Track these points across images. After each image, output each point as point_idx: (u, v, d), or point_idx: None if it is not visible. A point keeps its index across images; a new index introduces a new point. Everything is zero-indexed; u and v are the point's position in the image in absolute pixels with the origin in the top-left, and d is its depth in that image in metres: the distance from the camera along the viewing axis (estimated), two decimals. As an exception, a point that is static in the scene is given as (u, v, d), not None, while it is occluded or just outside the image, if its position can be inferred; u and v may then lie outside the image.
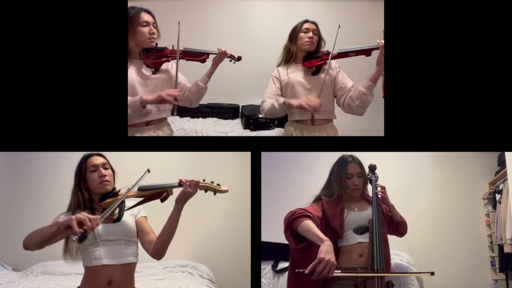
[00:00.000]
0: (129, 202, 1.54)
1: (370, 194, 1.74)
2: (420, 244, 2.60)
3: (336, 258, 1.54)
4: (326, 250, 1.37)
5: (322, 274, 1.33)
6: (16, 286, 2.25)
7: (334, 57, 1.94)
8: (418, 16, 1.91)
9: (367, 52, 1.91)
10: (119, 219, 1.48)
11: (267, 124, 2.75)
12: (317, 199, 1.75)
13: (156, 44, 1.88)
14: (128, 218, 1.51)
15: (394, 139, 1.94)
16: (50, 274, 2.55)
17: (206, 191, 1.51)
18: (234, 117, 3.05)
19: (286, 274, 2.36)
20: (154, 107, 1.88)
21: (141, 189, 1.49)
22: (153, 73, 1.89)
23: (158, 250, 1.46)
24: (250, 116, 2.79)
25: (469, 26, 1.90)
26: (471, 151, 2.41)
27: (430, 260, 2.63)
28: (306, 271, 1.34)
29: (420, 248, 2.62)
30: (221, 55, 1.95)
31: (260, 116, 2.77)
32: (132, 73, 1.85)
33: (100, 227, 1.41)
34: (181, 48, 1.89)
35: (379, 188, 1.69)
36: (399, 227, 1.77)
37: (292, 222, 1.57)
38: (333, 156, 1.82)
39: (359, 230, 1.63)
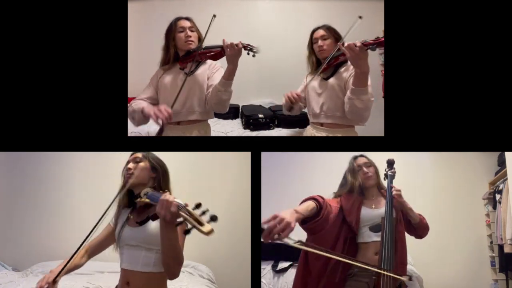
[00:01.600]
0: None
1: None
2: (420, 244, 2.59)
3: (354, 254, 1.60)
4: (285, 211, 1.27)
5: (273, 232, 1.19)
6: (16, 286, 2.25)
7: (330, 63, 1.90)
8: (418, 16, 1.91)
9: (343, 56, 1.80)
10: (143, 222, 1.38)
11: (267, 124, 2.74)
12: (337, 196, 1.77)
13: (199, 46, 1.91)
14: (154, 223, 1.37)
15: (394, 139, 1.94)
16: (50, 274, 2.55)
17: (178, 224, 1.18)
18: (234, 117, 3.05)
19: (286, 274, 2.36)
20: (183, 108, 1.92)
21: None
22: (187, 75, 1.91)
23: (164, 270, 1.32)
24: (250, 116, 2.78)
25: (469, 26, 1.90)
26: (471, 151, 2.41)
27: (430, 260, 2.63)
28: (262, 225, 1.20)
29: (420, 248, 2.62)
30: (233, 50, 1.74)
31: (260, 116, 2.77)
32: (168, 77, 1.93)
33: (125, 231, 1.42)
34: (202, 47, 1.90)
35: (394, 191, 1.67)
36: (418, 231, 1.75)
37: (301, 202, 1.59)
38: (333, 156, 1.82)
39: (375, 228, 1.64)
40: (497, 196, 2.49)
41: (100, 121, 1.91)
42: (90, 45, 1.90)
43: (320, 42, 1.95)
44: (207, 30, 1.86)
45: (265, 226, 1.20)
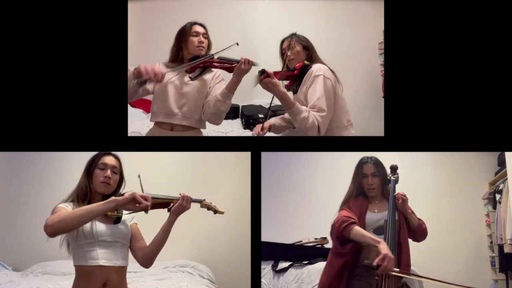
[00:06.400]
0: None
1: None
2: (420, 244, 2.59)
3: (358, 255, 1.64)
4: (386, 247, 1.50)
5: (387, 268, 1.45)
6: (16, 286, 2.25)
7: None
8: (418, 16, 1.91)
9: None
10: (119, 220, 1.46)
11: (267, 124, 2.75)
12: (344, 203, 1.79)
13: (211, 55, 1.91)
14: (125, 221, 1.50)
15: (394, 139, 1.94)
16: (50, 274, 2.55)
17: (208, 209, 1.61)
18: (234, 117, 3.05)
19: (286, 274, 2.36)
20: (179, 111, 1.86)
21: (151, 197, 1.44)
22: (191, 79, 1.90)
23: (148, 258, 1.48)
24: (250, 116, 2.79)
25: (469, 26, 1.90)
26: (471, 151, 2.41)
27: (430, 260, 2.63)
28: (374, 264, 1.46)
29: (420, 248, 2.61)
30: (247, 66, 1.79)
31: (260, 116, 2.77)
32: (173, 77, 1.88)
33: (100, 227, 1.41)
34: (215, 57, 1.90)
35: (400, 196, 1.69)
36: (415, 234, 1.78)
37: (343, 230, 1.63)
38: (333, 156, 1.82)
39: (379, 231, 1.68)
40: (497, 196, 2.49)
41: (100, 121, 1.91)
42: (90, 45, 1.90)
43: (288, 53, 1.96)
44: (224, 49, 1.88)
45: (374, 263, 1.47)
